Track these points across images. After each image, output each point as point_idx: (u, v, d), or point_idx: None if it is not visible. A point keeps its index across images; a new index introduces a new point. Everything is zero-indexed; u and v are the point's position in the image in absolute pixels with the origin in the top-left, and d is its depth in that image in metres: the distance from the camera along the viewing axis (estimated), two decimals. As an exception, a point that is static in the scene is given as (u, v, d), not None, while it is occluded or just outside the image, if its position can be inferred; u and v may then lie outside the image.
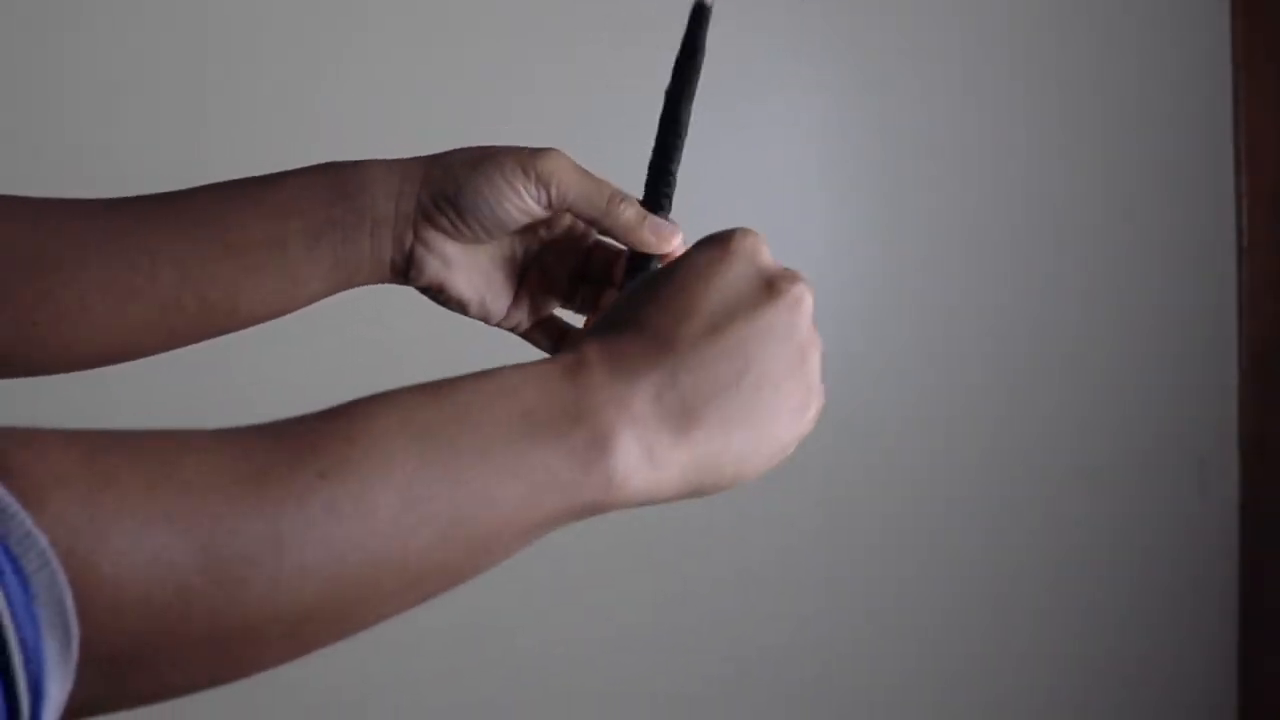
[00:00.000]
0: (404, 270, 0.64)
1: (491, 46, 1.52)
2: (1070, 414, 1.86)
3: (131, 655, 0.37)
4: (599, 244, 0.67)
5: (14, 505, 0.35)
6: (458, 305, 0.66)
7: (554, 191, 0.62)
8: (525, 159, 0.61)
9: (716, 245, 0.51)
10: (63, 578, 0.35)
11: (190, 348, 0.65)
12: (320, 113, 1.45)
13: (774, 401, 0.49)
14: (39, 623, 0.34)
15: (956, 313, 1.80)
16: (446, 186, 0.62)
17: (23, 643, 0.34)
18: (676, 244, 0.62)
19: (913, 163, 1.77)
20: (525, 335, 0.68)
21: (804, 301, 0.51)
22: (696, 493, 0.49)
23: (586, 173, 0.63)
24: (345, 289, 0.64)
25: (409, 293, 0.66)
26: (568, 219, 0.66)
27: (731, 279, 0.50)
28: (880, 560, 1.78)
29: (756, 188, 1.66)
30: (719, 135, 1.65)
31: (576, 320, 0.69)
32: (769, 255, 0.51)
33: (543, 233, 0.66)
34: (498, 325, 0.67)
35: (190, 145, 1.40)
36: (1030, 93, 1.83)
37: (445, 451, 0.43)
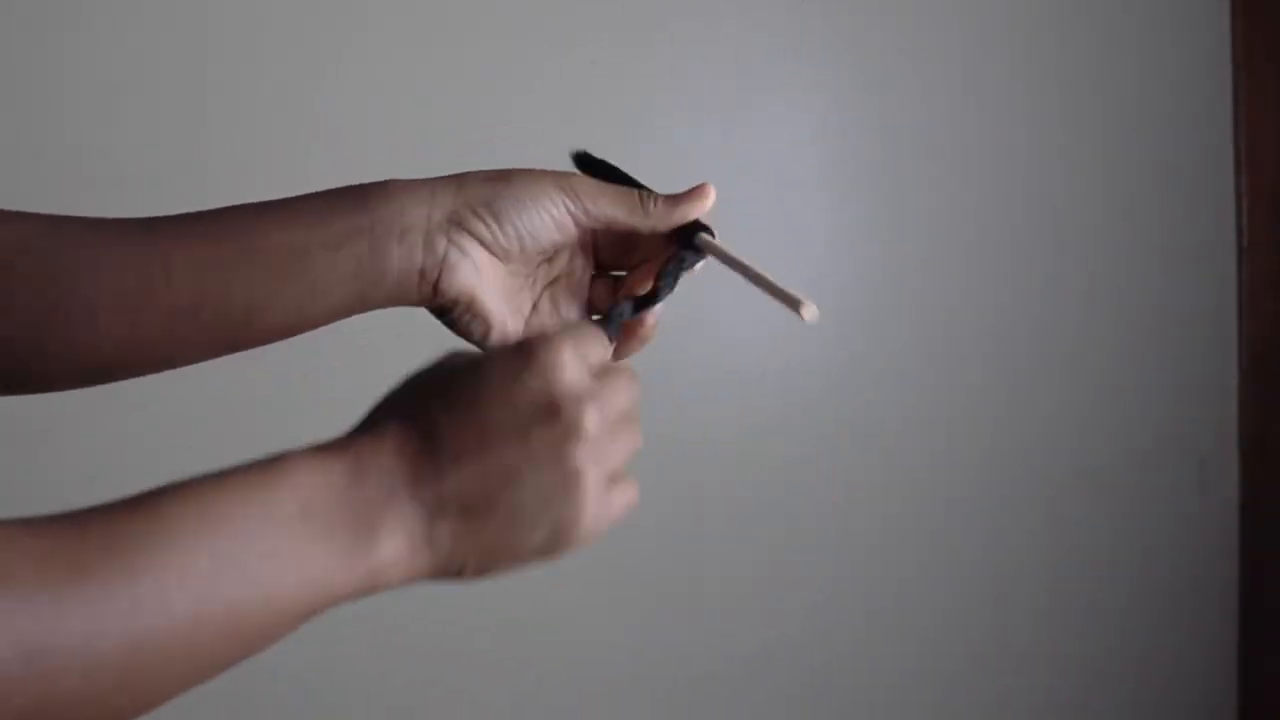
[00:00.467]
0: (434, 280, 0.64)
1: (491, 46, 1.52)
2: (1070, 414, 1.86)
3: None
4: (596, 281, 0.69)
5: None
6: (481, 322, 0.66)
7: (589, 205, 0.64)
8: (558, 177, 0.65)
9: (517, 355, 0.52)
10: None
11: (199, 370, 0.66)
12: (320, 113, 1.45)
13: (532, 520, 0.51)
14: None
15: (956, 313, 1.80)
16: (484, 193, 0.64)
17: None
18: (711, 197, 0.66)
19: (913, 163, 1.77)
20: None
21: (581, 433, 0.51)
22: (447, 579, 0.52)
23: (610, 185, 0.65)
24: (366, 305, 0.64)
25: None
26: (566, 256, 0.67)
27: (518, 394, 0.51)
28: (880, 560, 1.77)
29: (756, 188, 1.66)
30: (719, 135, 1.65)
31: None
32: (574, 371, 0.52)
33: (548, 269, 0.68)
34: None
35: (190, 145, 1.40)
36: (1030, 93, 1.83)
37: (237, 553, 0.46)
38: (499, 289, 0.65)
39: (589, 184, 0.65)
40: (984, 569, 1.83)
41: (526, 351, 0.52)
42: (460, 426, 0.51)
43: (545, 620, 1.60)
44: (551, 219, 0.64)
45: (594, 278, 0.69)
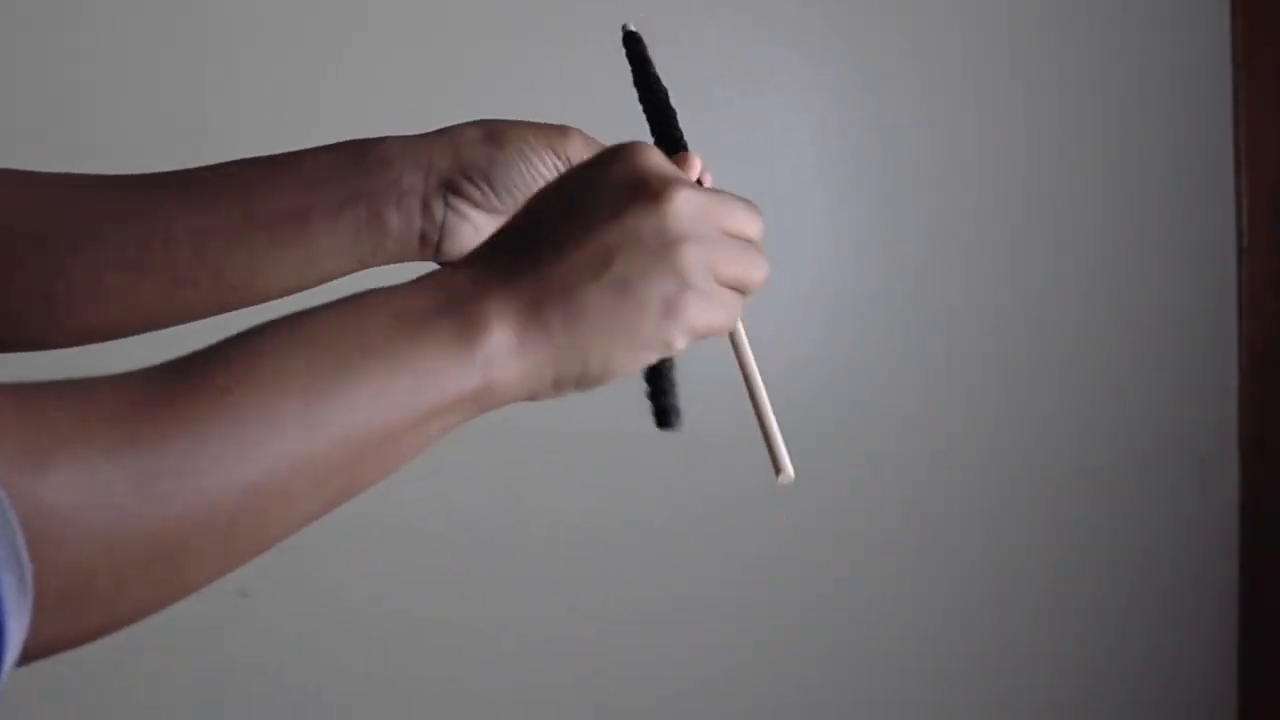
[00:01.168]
0: (435, 242, 0.64)
1: (491, 46, 1.52)
2: (1070, 414, 1.86)
3: (80, 584, 0.39)
4: None
5: None
6: None
7: None
8: (553, 138, 0.63)
9: (606, 151, 0.53)
10: (13, 516, 0.36)
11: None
12: (321, 113, 1.45)
13: (634, 302, 0.50)
14: None
15: (956, 313, 1.80)
16: (478, 159, 0.63)
17: None
18: (697, 168, 0.64)
19: (913, 163, 1.77)
20: None
21: (673, 201, 0.50)
22: (570, 383, 0.50)
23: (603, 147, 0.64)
24: (366, 266, 0.64)
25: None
26: None
27: (606, 183, 0.51)
28: (880, 560, 1.77)
29: (756, 187, 1.66)
30: (718, 135, 1.64)
31: None
32: (657, 161, 0.52)
33: None
34: None
35: (190, 145, 1.39)
36: (1030, 93, 1.83)
37: (332, 357, 0.45)
38: None
39: (580, 146, 0.64)
40: (984, 569, 1.83)
41: (607, 151, 0.53)
42: (555, 218, 0.50)
43: (538, 621, 1.60)
44: (544, 181, 0.63)
45: None
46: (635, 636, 1.64)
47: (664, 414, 0.55)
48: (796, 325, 1.71)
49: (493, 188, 0.63)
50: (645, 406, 0.56)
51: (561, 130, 0.64)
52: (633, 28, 0.68)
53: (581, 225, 0.50)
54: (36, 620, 0.37)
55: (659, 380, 0.56)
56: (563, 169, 0.63)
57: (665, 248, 0.50)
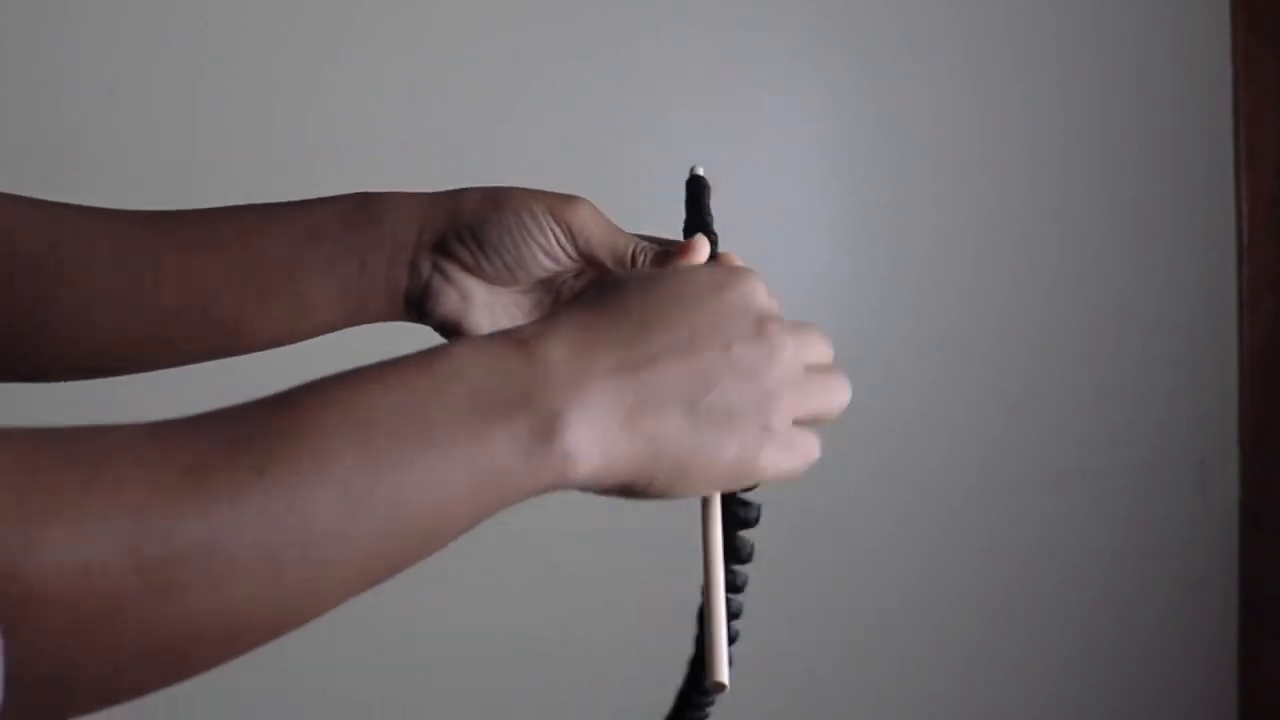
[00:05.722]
0: (418, 303, 0.62)
1: (492, 46, 1.52)
2: (1070, 415, 1.86)
3: (65, 673, 0.36)
4: None
5: None
6: None
7: (581, 241, 0.60)
8: (555, 205, 0.60)
9: (722, 272, 0.52)
10: None
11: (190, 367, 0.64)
12: (321, 112, 1.45)
13: (724, 432, 0.49)
14: None
15: (956, 313, 1.80)
16: (471, 219, 0.60)
17: None
18: (700, 257, 0.60)
19: (913, 162, 1.77)
20: None
21: (784, 352, 0.51)
22: (632, 491, 0.48)
23: (611, 224, 0.61)
24: (356, 322, 0.62)
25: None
26: (590, 277, 0.63)
27: (724, 308, 0.50)
28: (880, 560, 1.77)
29: (756, 188, 1.66)
30: (718, 135, 1.64)
31: None
32: (771, 302, 0.52)
33: (575, 277, 0.64)
34: None
35: (189, 145, 1.40)
36: (1030, 92, 1.83)
37: (388, 442, 0.41)
38: (495, 314, 0.63)
39: (585, 217, 0.60)
40: (984, 569, 1.83)
41: (727, 271, 0.52)
42: (664, 324, 0.48)
43: (537, 621, 1.60)
44: (540, 249, 0.60)
45: None
46: (633, 634, 1.64)
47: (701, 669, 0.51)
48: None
49: (484, 250, 0.60)
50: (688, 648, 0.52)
51: (567, 198, 0.60)
52: (700, 172, 0.65)
53: (688, 343, 0.48)
54: (10, 704, 0.34)
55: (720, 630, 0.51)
56: (562, 238, 0.60)
57: (761, 399, 0.49)
